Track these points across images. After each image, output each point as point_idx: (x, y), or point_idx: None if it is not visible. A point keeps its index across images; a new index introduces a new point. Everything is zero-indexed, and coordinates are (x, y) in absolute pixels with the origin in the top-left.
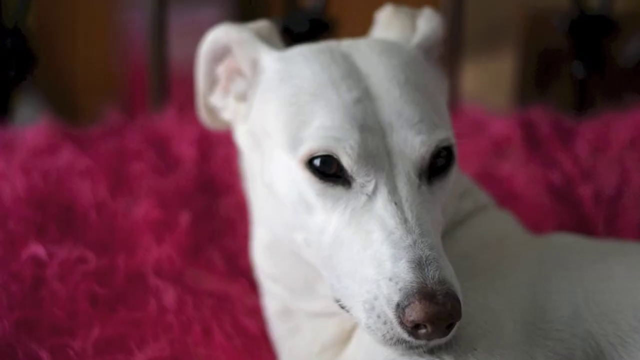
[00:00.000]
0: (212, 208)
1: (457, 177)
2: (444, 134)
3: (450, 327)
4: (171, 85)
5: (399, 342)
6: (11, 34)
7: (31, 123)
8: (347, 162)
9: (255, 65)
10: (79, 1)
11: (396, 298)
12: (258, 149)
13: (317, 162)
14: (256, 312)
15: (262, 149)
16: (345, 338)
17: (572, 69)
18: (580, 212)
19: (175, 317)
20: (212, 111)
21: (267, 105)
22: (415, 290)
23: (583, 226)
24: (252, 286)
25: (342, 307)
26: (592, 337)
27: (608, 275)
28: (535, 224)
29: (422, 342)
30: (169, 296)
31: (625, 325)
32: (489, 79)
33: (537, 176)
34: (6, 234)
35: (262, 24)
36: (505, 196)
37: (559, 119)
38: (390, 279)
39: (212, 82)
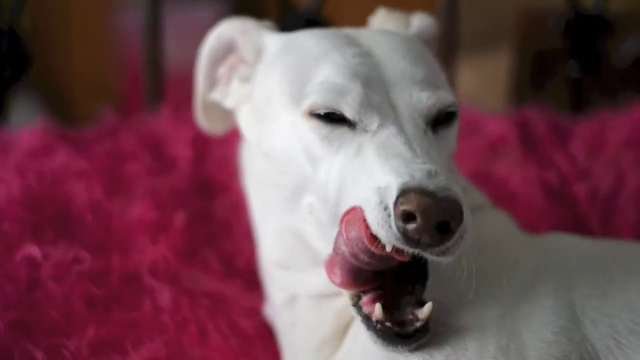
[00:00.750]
0: (208, 209)
1: (456, 178)
2: (449, 98)
3: (447, 235)
4: (166, 86)
5: (394, 235)
6: (6, 35)
7: (26, 124)
8: (350, 112)
9: (258, 49)
10: (74, 2)
11: (395, 191)
12: (260, 126)
13: (320, 113)
14: (252, 313)
15: (264, 121)
16: (343, 332)
17: (568, 68)
18: (576, 211)
19: (170, 318)
20: (210, 113)
21: (271, 76)
22: (416, 185)
23: (579, 226)
24: (247, 287)
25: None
26: (587, 340)
27: (604, 278)
28: (531, 224)
29: (415, 244)
30: (165, 297)
31: (622, 327)
32: (485, 79)
33: (533, 176)
34: (1, 234)
35: (267, 24)
36: (501, 196)
37: (554, 118)
38: (397, 173)
39: (212, 83)
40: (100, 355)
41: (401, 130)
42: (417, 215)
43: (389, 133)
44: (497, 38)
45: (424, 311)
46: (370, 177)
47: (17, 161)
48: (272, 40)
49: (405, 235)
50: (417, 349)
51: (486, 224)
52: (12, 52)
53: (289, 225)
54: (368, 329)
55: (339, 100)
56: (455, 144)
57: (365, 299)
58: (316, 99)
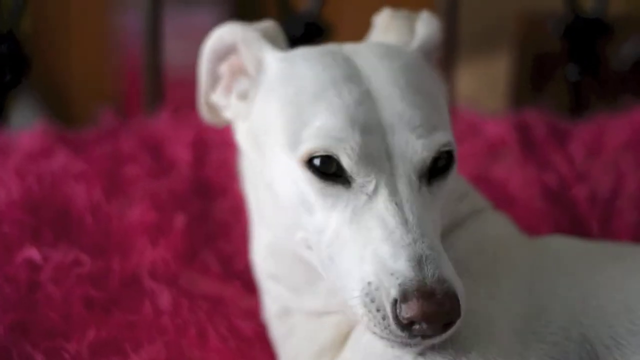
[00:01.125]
0: (207, 211)
1: (456, 180)
2: (445, 137)
3: (447, 326)
4: (166, 88)
5: (395, 337)
6: (6, 39)
7: (26, 127)
8: (347, 163)
9: (259, 64)
10: (73, 4)
11: (394, 293)
12: (258, 149)
13: (317, 161)
14: (251, 315)
15: (262, 148)
16: (342, 341)
17: (567, 71)
18: (575, 214)
19: (170, 320)
20: (213, 108)
21: (269, 105)
22: (414, 287)
23: (578, 228)
24: (246, 289)
25: (345, 302)
26: (587, 340)
27: (603, 279)
28: (531, 226)
29: (417, 340)
30: (164, 299)
31: (621, 328)
32: (484, 82)
33: (533, 178)
34: (1, 237)
35: (268, 24)
36: (501, 198)
37: (554, 121)
38: (391, 274)
39: (214, 80)
40: (100, 358)
41: (395, 192)
42: (423, 322)
43: (383, 201)
44: (497, 40)
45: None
46: (361, 261)
47: (16, 163)
48: (273, 60)
49: (403, 328)
50: (420, 353)
51: (486, 227)
52: (11, 55)
53: (285, 246)
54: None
55: (336, 147)
56: (451, 187)
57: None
58: (313, 145)
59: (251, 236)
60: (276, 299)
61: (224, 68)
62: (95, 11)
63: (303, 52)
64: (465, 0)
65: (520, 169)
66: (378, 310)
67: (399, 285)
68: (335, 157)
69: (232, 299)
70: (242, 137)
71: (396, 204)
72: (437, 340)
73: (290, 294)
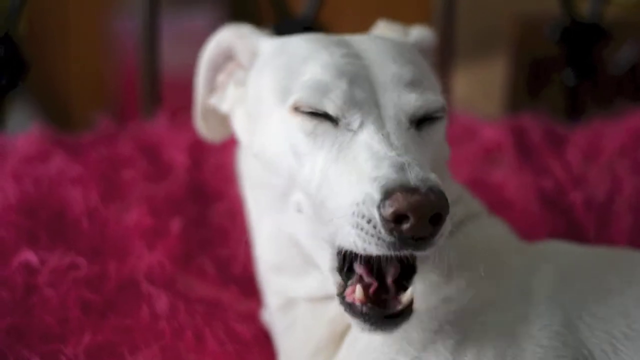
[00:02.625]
0: (204, 215)
1: (447, 184)
2: (437, 98)
3: (437, 223)
4: (163, 92)
5: (391, 245)
6: (3, 42)
7: (23, 130)
8: (332, 109)
9: (254, 52)
10: (70, 8)
11: (378, 196)
12: (252, 126)
13: (304, 110)
14: (248, 318)
15: (256, 121)
16: (338, 341)
17: (564, 76)
18: (571, 219)
19: (167, 324)
20: (208, 119)
21: (262, 76)
22: (397, 184)
23: (574, 233)
24: (243, 292)
25: (339, 251)
26: (584, 345)
27: (600, 283)
28: (527, 231)
29: (409, 241)
30: (161, 303)
31: (618, 333)
32: (481, 87)
33: (529, 183)
34: None
35: (264, 31)
36: (497, 203)
37: (550, 126)
38: (374, 180)
39: (212, 88)
40: None
41: (381, 127)
42: (410, 214)
43: (369, 132)
44: (493, 45)
45: (407, 294)
46: (349, 188)
47: (13, 167)
48: (267, 44)
49: (400, 237)
50: (416, 356)
51: (482, 231)
52: (9, 59)
53: (281, 227)
54: (353, 317)
55: (322, 98)
56: (443, 146)
57: (349, 289)
58: (300, 95)
59: (252, 234)
60: (278, 292)
61: (222, 77)
62: (93, 15)
63: (297, 35)
64: (461, 4)
65: (517, 173)
66: (369, 222)
67: (382, 187)
68: (321, 110)
69: (229, 302)
70: (239, 124)
71: (382, 134)
72: (430, 245)
73: (291, 280)
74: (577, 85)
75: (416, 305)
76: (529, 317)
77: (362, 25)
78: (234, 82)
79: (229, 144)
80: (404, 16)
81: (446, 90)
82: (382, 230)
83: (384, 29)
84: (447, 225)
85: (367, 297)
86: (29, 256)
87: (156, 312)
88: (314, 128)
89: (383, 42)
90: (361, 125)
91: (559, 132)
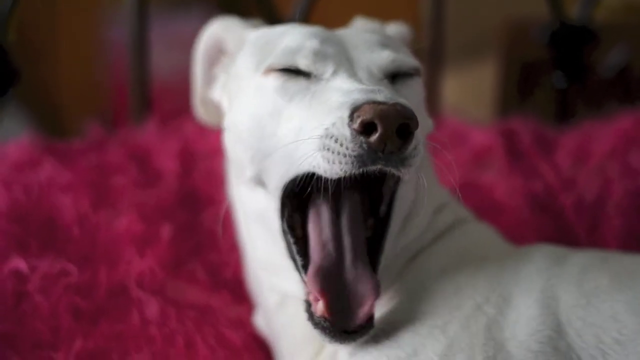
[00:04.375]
0: (194, 221)
1: (434, 190)
2: (411, 60)
3: (406, 138)
4: (153, 96)
5: (358, 161)
6: None
7: (13, 137)
8: (304, 64)
9: (241, 41)
10: (61, 16)
11: (347, 112)
12: (233, 101)
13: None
14: (239, 324)
15: (235, 95)
16: None
17: (553, 79)
18: (561, 222)
19: (158, 330)
20: (207, 106)
21: (243, 57)
22: (365, 101)
23: (565, 236)
24: (234, 298)
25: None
26: (573, 350)
27: (590, 288)
28: (517, 235)
29: (379, 152)
30: (152, 309)
31: (607, 338)
32: (471, 90)
33: (519, 186)
34: None
35: (253, 22)
36: (487, 206)
37: (540, 129)
38: (342, 104)
39: (210, 80)
40: None
41: (354, 75)
42: (377, 122)
43: (342, 78)
44: (483, 49)
45: (364, 310)
46: (318, 119)
47: (3, 174)
48: (252, 33)
49: (369, 149)
50: None
51: (469, 236)
52: None
53: (257, 212)
54: (315, 327)
55: (293, 56)
56: (420, 110)
57: (312, 296)
58: (273, 60)
59: (241, 236)
60: (273, 289)
61: (218, 70)
62: (83, 23)
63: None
64: (450, 8)
65: (507, 177)
66: (336, 141)
67: (351, 105)
68: (293, 67)
69: (220, 308)
70: (225, 107)
71: (354, 80)
72: (401, 161)
73: (281, 279)
74: (566, 89)
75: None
76: (518, 322)
77: None
78: (223, 71)
79: (219, 150)
80: (393, 20)
81: (436, 94)
82: (350, 145)
83: (361, 25)
84: (416, 141)
85: (328, 311)
86: (19, 263)
87: (147, 318)
88: (286, 82)
89: (359, 28)
90: (334, 73)
91: (549, 135)
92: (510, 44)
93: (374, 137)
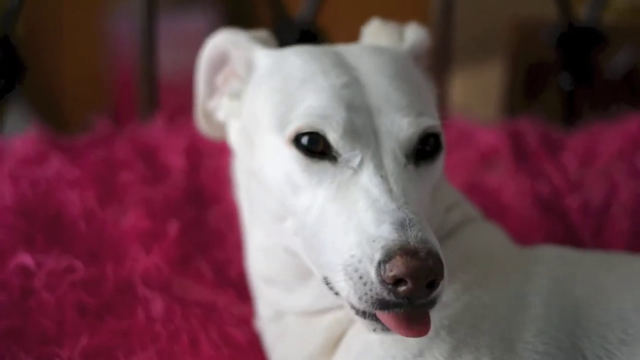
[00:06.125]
0: (201, 218)
1: (445, 189)
2: (432, 120)
3: (431, 287)
4: (160, 94)
5: (381, 304)
6: (0, 44)
7: (19, 132)
8: (333, 137)
9: (249, 64)
10: (66, 10)
11: (378, 256)
12: (249, 143)
13: (304, 140)
14: (244, 322)
15: (253, 140)
16: (332, 348)
17: (560, 80)
18: (568, 223)
19: (163, 327)
20: (210, 117)
21: (258, 96)
22: (397, 247)
23: (571, 238)
24: (240, 296)
25: (328, 284)
26: (579, 350)
27: (596, 289)
28: (523, 236)
29: (404, 301)
30: (157, 306)
31: (613, 338)
32: (478, 91)
33: (525, 188)
34: None
35: (261, 32)
36: (493, 207)
37: (547, 130)
38: (374, 241)
39: (212, 90)
40: None
41: (380, 166)
42: (408, 279)
43: (368, 174)
44: (490, 49)
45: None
46: (346, 236)
47: (10, 169)
48: (262, 57)
49: (395, 295)
50: None
51: (478, 236)
52: (6, 61)
53: (277, 241)
54: (364, 318)
55: (322, 123)
56: (440, 173)
57: None
58: (299, 123)
59: (245, 242)
60: (270, 303)
61: (220, 78)
62: (89, 17)
63: (292, 48)
64: (458, 8)
65: (513, 178)
66: (361, 278)
67: (382, 247)
68: (321, 133)
69: (225, 306)
70: (235, 136)
71: (381, 176)
72: (423, 302)
73: (283, 293)
74: (574, 90)
75: None
76: (525, 322)
77: (360, 28)
78: (229, 94)
79: (226, 148)
80: (401, 19)
81: (443, 94)
82: (377, 290)
83: (378, 28)
84: (442, 288)
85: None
86: (26, 259)
87: (152, 315)
88: (310, 165)
89: (379, 57)
90: (361, 163)
91: (556, 136)
92: (517, 44)
93: (402, 289)
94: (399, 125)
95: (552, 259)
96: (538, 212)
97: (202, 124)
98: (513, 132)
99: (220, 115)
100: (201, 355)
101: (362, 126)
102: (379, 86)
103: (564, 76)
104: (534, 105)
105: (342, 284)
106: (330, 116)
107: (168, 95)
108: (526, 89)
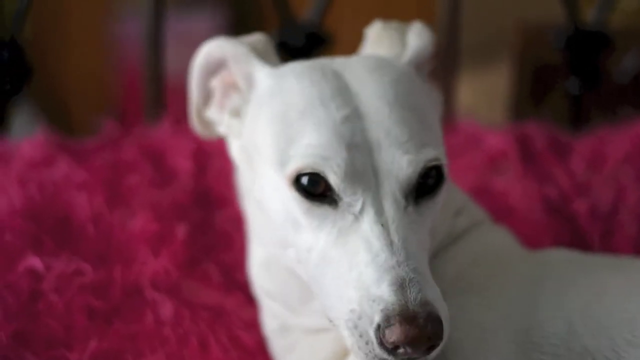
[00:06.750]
0: (209, 221)
1: (453, 193)
2: (433, 153)
3: (431, 348)
4: (167, 96)
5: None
6: (7, 47)
7: (27, 135)
8: (334, 180)
9: (249, 80)
10: (73, 12)
11: (377, 319)
12: (251, 165)
13: (304, 180)
14: (253, 325)
15: (254, 164)
16: (343, 355)
17: (568, 84)
18: (575, 227)
19: (171, 330)
20: (206, 123)
21: (258, 121)
22: (396, 312)
23: (578, 241)
24: (248, 299)
25: (331, 321)
26: (588, 352)
27: (604, 290)
28: (531, 239)
29: (404, 358)
30: (166, 309)
31: (621, 339)
32: (485, 94)
33: (533, 191)
34: (2, 246)
35: (258, 38)
36: (501, 211)
37: (554, 134)
38: (373, 301)
39: (206, 95)
40: None
41: (381, 212)
42: (407, 347)
43: (369, 221)
44: (497, 52)
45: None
46: (346, 288)
47: (18, 172)
48: (262, 75)
49: (389, 352)
50: None
51: (486, 239)
52: (13, 63)
53: (279, 261)
54: None
55: (323, 165)
56: (441, 205)
57: None
58: (300, 164)
59: (248, 253)
60: (275, 316)
61: (216, 83)
62: (95, 19)
63: (292, 67)
64: (465, 11)
65: (521, 181)
66: (361, 336)
67: (381, 311)
68: (322, 174)
69: (234, 309)
70: (236, 153)
71: (382, 225)
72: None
73: (285, 311)
74: (581, 93)
75: None
76: (533, 324)
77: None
78: (230, 111)
79: None
80: (407, 22)
81: (449, 98)
82: (376, 350)
83: (380, 31)
84: (440, 347)
85: None
86: (34, 262)
87: (161, 318)
88: (311, 208)
89: (379, 79)
90: (362, 210)
91: (563, 140)
92: (524, 47)
93: (400, 352)
94: (399, 164)
95: (562, 262)
96: (546, 215)
97: (197, 128)
98: (520, 136)
99: (221, 130)
100: (210, 358)
101: (362, 165)
102: (379, 117)
103: (571, 80)
104: (541, 108)
105: (345, 333)
106: (331, 157)
107: (175, 97)
108: (533, 93)
